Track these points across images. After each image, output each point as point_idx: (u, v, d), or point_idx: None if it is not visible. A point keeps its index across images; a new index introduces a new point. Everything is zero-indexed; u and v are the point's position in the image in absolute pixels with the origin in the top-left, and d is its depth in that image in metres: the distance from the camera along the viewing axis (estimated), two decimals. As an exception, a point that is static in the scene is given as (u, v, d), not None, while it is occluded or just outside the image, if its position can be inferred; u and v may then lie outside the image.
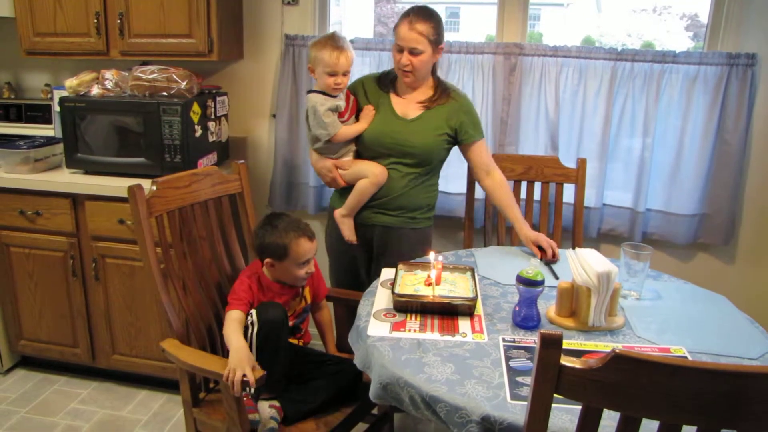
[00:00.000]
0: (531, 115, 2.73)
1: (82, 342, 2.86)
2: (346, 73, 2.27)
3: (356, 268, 2.49)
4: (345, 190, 2.39)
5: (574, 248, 2.55)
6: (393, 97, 2.36)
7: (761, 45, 2.53)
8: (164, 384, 2.86)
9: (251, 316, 1.88)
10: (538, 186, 2.67)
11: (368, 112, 2.35)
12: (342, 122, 2.32)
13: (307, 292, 2.13)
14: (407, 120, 2.32)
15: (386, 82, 2.39)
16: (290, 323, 2.05)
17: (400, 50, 2.23)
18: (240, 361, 1.71)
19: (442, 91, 2.35)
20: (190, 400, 1.96)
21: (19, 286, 2.85)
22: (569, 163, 2.69)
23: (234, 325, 1.87)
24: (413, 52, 2.21)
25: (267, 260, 1.99)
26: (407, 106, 2.34)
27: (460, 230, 2.87)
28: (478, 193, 2.68)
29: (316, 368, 2.02)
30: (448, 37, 2.41)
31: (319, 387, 1.96)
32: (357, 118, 2.37)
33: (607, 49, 2.60)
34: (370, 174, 2.30)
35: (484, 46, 2.70)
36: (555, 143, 2.72)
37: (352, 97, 2.38)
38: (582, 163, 2.62)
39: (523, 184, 2.67)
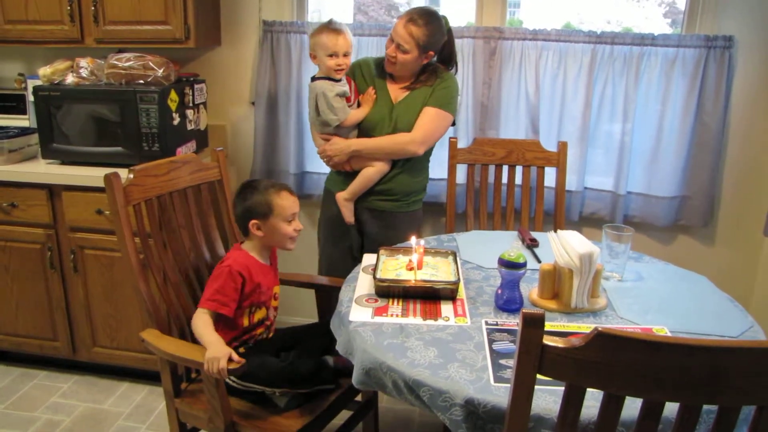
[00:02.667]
0: (511, 100, 2.73)
1: (62, 335, 2.82)
2: (346, 54, 2.32)
3: (352, 252, 2.53)
4: (342, 172, 2.44)
5: (555, 231, 2.58)
6: (389, 83, 2.41)
7: (738, 27, 2.54)
8: (146, 376, 2.84)
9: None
10: (519, 170, 2.66)
11: (369, 95, 2.39)
12: (348, 107, 2.36)
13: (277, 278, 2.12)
14: (397, 102, 2.38)
15: (383, 65, 2.42)
16: (275, 314, 2.04)
17: (392, 40, 2.29)
18: (217, 352, 1.69)
19: (431, 72, 2.38)
20: (172, 390, 1.94)
21: (-4, 280, 2.81)
22: (550, 147, 2.69)
23: (201, 321, 1.83)
24: (400, 48, 2.27)
25: (253, 222, 1.94)
26: (396, 89, 2.40)
27: (442, 215, 2.87)
28: (460, 177, 2.68)
29: (295, 342, 2.03)
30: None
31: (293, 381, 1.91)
32: (359, 103, 2.41)
33: (586, 32, 2.60)
34: (377, 163, 2.36)
35: (464, 30, 2.68)
36: (536, 127, 2.72)
37: (352, 82, 2.42)
38: (563, 146, 2.62)
39: (505, 168, 2.67)
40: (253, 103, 2.95)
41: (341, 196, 2.43)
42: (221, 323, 1.89)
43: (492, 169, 2.67)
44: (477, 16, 2.79)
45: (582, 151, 2.71)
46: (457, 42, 2.68)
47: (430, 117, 2.33)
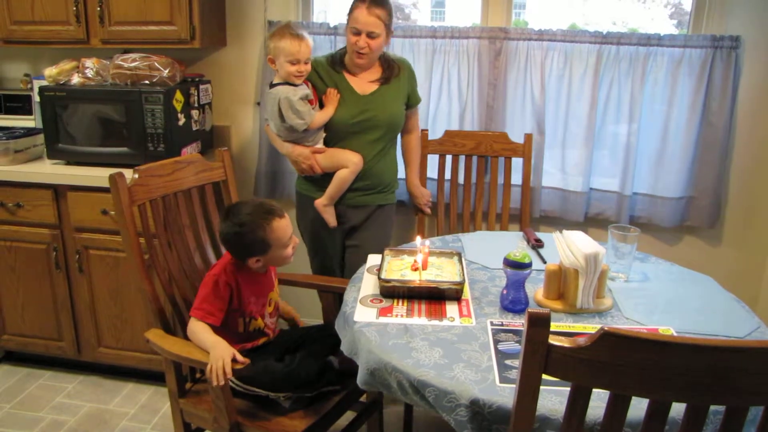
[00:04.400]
0: (517, 100, 2.73)
1: (67, 335, 2.83)
2: (307, 61, 2.30)
3: (336, 251, 2.55)
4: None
5: (527, 223, 2.68)
6: (347, 76, 2.41)
7: (745, 27, 2.53)
8: (151, 376, 2.84)
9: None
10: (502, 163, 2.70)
11: (333, 96, 2.38)
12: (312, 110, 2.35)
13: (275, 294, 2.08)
14: (367, 95, 2.38)
15: (338, 62, 2.43)
16: (270, 319, 2.04)
17: (357, 33, 2.27)
18: (222, 351, 1.69)
19: (390, 64, 2.43)
20: (177, 390, 1.94)
21: (1, 280, 2.81)
22: (556, 147, 2.69)
23: (202, 325, 1.81)
24: (371, 35, 2.26)
25: (252, 259, 1.87)
26: (362, 83, 2.40)
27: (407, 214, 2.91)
28: (431, 172, 2.77)
29: (300, 344, 2.01)
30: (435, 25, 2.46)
31: (301, 357, 1.90)
32: (321, 105, 2.40)
33: (592, 33, 2.59)
34: (350, 163, 2.35)
35: (469, 31, 2.68)
36: (541, 128, 2.71)
37: (310, 84, 2.39)
38: (528, 138, 2.67)
39: (474, 159, 2.73)
40: (258, 104, 2.95)
41: (320, 203, 2.41)
42: (219, 329, 1.84)
43: (462, 159, 2.72)
44: (482, 17, 2.79)
45: (588, 152, 2.70)
46: (463, 42, 2.69)
47: (416, 116, 2.57)
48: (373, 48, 2.29)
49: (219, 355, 1.68)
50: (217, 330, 1.82)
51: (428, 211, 2.70)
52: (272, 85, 2.35)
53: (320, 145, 2.40)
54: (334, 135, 2.39)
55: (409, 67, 2.50)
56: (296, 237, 1.96)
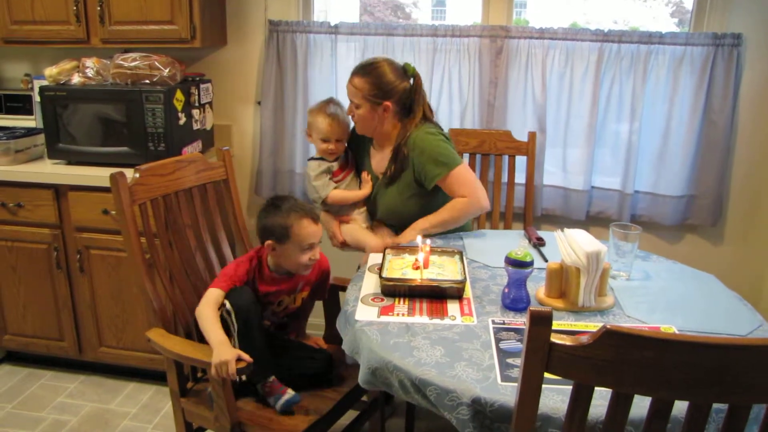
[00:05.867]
0: (518, 99, 2.72)
1: (69, 335, 2.83)
2: (339, 140, 2.31)
3: None
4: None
5: (531, 222, 2.65)
6: (372, 150, 2.39)
7: (747, 25, 2.52)
8: (152, 376, 2.84)
9: (225, 305, 1.84)
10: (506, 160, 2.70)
11: (366, 180, 2.37)
12: (337, 181, 2.36)
13: (303, 294, 2.08)
14: (378, 183, 2.33)
15: None
16: (277, 319, 2.03)
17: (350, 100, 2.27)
18: (225, 354, 1.69)
19: (397, 154, 2.23)
20: (178, 390, 1.94)
21: (2, 280, 2.81)
22: (557, 146, 2.68)
23: (210, 312, 1.82)
24: (354, 104, 2.23)
25: (268, 242, 1.91)
26: (381, 161, 2.33)
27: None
28: None
29: (285, 351, 2.00)
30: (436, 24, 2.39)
31: (281, 365, 1.91)
32: (358, 174, 2.42)
33: (593, 31, 2.59)
34: (367, 248, 2.27)
35: (470, 29, 2.67)
36: (543, 126, 2.71)
37: (349, 153, 2.42)
38: (532, 136, 2.64)
39: (478, 157, 2.71)
40: (259, 103, 2.95)
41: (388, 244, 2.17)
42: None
43: (466, 157, 2.68)
44: (483, 16, 2.78)
45: (589, 150, 2.69)
46: (463, 41, 2.68)
47: (459, 179, 2.17)
48: (357, 118, 2.24)
49: (223, 359, 1.68)
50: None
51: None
52: (309, 159, 2.42)
53: (359, 219, 2.39)
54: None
55: (414, 145, 2.18)
56: (320, 254, 1.97)
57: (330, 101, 2.35)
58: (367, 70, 2.20)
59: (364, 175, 2.38)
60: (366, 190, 2.36)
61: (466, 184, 2.17)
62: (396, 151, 2.23)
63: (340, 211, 2.40)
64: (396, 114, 2.24)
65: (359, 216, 2.40)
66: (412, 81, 2.25)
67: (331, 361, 2.00)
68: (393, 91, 2.20)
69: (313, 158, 2.40)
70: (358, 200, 2.38)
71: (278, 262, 1.96)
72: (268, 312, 2.01)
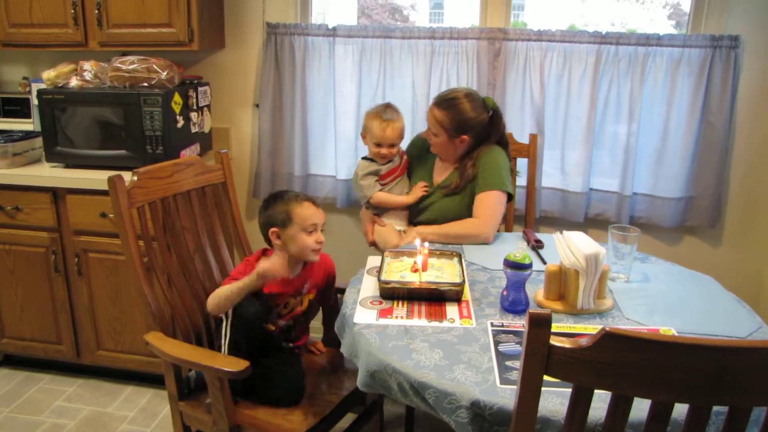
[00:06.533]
0: (516, 101, 2.72)
1: (66, 339, 2.82)
2: (392, 145, 2.36)
3: None
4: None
5: (531, 224, 2.64)
6: (437, 160, 2.44)
7: (744, 27, 2.52)
8: (151, 379, 2.83)
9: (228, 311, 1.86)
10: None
11: (416, 190, 2.40)
12: (383, 184, 2.42)
13: (309, 296, 2.07)
14: (435, 190, 2.38)
15: None
16: (283, 322, 2.02)
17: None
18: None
19: (465, 172, 2.30)
20: (176, 393, 1.93)
21: (0, 283, 2.80)
22: (556, 148, 2.68)
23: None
24: (431, 131, 2.31)
25: (272, 230, 1.92)
26: (444, 170, 2.40)
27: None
28: None
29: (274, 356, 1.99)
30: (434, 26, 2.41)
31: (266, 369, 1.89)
32: (410, 176, 2.48)
33: (591, 33, 2.59)
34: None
35: (468, 32, 2.67)
36: (541, 129, 2.71)
37: (404, 158, 2.47)
38: (533, 138, 2.63)
39: None
40: (257, 106, 2.95)
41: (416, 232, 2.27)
42: None
43: None
44: (481, 18, 2.78)
45: (587, 152, 2.69)
46: (461, 43, 2.68)
47: (490, 201, 2.24)
48: (433, 144, 2.33)
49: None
50: None
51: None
52: (362, 158, 2.48)
53: (394, 224, 2.44)
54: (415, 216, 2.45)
55: (485, 163, 2.28)
56: (323, 236, 1.97)
57: (387, 106, 2.41)
58: (448, 104, 2.27)
59: (420, 185, 2.39)
60: (410, 198, 2.40)
61: (488, 209, 2.24)
62: (463, 168, 2.32)
63: (381, 212, 2.46)
64: (471, 144, 2.32)
65: (396, 221, 2.44)
66: (491, 113, 2.33)
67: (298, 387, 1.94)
68: (471, 127, 2.28)
69: (365, 158, 2.46)
70: (400, 206, 2.43)
71: (284, 250, 1.94)
72: (274, 315, 1.99)
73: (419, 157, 2.50)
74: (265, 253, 1.99)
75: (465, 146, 2.32)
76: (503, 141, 2.38)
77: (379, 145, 2.37)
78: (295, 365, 1.97)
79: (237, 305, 1.86)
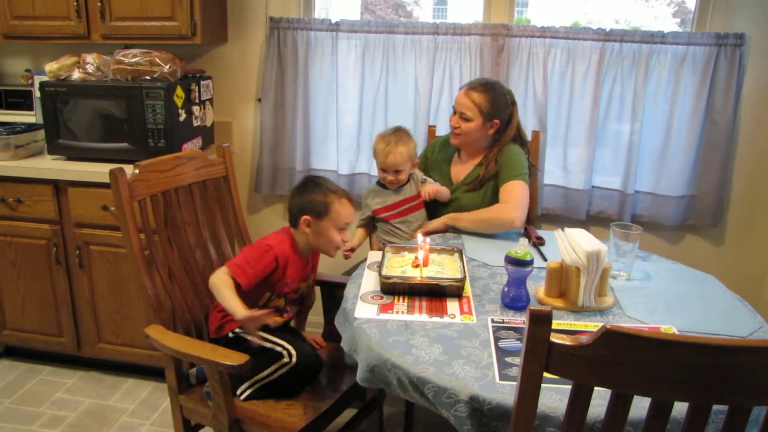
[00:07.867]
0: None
1: (67, 331, 2.82)
2: (397, 172, 2.31)
3: None
4: None
5: (533, 221, 2.64)
6: (455, 160, 2.46)
7: (749, 25, 2.51)
8: (151, 372, 2.84)
9: (289, 355, 1.86)
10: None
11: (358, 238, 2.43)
12: (391, 215, 2.36)
13: (314, 277, 2.11)
14: (459, 184, 2.39)
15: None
16: (292, 303, 2.05)
17: (454, 112, 2.34)
18: (250, 312, 1.74)
19: (488, 167, 2.34)
20: (176, 386, 1.93)
21: (2, 275, 2.81)
22: (558, 146, 2.68)
23: (229, 282, 1.82)
24: (463, 117, 2.29)
25: (304, 217, 1.91)
26: (464, 169, 2.42)
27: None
28: None
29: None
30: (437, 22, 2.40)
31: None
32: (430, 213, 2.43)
33: (595, 30, 2.58)
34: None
35: (471, 28, 2.67)
36: (543, 125, 2.70)
37: (418, 184, 2.40)
38: (536, 134, 2.63)
39: None
40: (259, 100, 2.94)
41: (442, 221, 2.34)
42: (241, 295, 1.83)
43: None
44: (485, 14, 2.78)
45: (590, 150, 2.68)
46: (465, 39, 2.67)
47: (514, 190, 2.25)
48: (464, 130, 2.30)
49: (249, 315, 1.73)
50: (239, 293, 1.82)
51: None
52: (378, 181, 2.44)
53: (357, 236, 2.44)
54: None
55: (507, 158, 2.32)
56: (348, 237, 1.99)
57: (396, 131, 2.36)
58: (487, 87, 2.30)
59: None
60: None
61: (516, 196, 2.25)
62: (486, 162, 2.34)
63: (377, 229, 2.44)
64: (496, 132, 2.35)
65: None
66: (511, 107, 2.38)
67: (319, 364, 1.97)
68: (504, 111, 2.33)
69: (378, 182, 2.42)
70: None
71: (309, 240, 1.94)
72: (288, 303, 2.01)
73: (437, 158, 2.50)
74: (284, 251, 1.95)
75: (492, 133, 2.34)
76: (521, 138, 2.42)
77: (383, 170, 2.34)
78: (305, 341, 2.01)
79: (300, 353, 1.85)
